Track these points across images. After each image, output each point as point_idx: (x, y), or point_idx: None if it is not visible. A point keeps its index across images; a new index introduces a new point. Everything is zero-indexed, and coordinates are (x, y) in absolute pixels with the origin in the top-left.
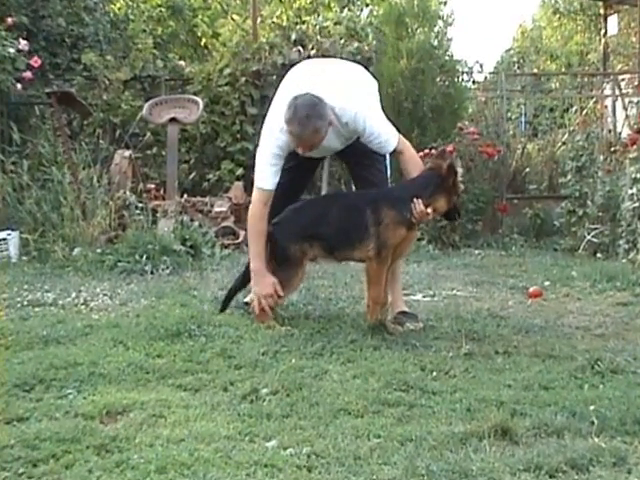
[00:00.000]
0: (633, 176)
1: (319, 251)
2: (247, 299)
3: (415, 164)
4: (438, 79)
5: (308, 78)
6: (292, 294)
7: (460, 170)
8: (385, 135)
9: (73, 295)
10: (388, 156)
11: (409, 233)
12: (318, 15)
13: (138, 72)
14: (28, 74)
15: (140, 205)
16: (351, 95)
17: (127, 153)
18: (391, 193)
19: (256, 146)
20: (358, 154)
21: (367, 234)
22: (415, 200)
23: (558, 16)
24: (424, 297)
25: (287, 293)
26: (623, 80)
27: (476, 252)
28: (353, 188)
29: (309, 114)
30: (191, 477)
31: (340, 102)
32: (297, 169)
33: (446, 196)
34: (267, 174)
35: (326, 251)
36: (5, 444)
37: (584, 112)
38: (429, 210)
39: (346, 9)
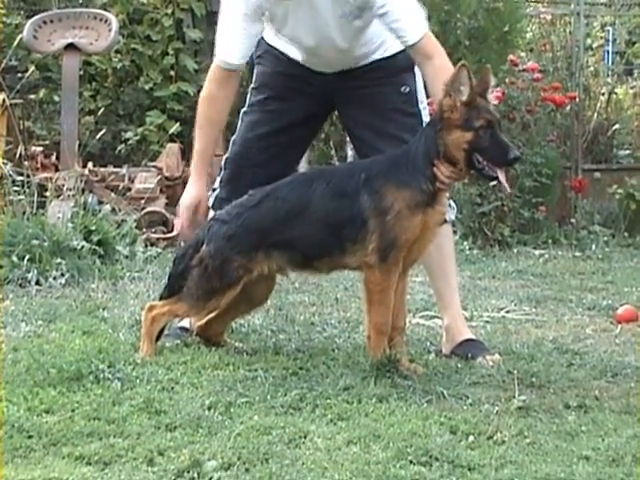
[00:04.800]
0: None
1: (286, 263)
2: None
3: None
4: None
5: None
6: (200, 316)
7: (460, 91)
8: (407, 15)
9: None
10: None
11: (429, 217)
12: None
13: None
14: None
15: (20, 179)
16: None
17: None
18: (399, 160)
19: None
20: (373, 112)
21: (364, 230)
22: (437, 162)
23: None
24: None
25: (191, 313)
26: None
27: (536, 253)
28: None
29: None
30: None
31: None
32: (283, 117)
33: (451, 143)
34: (231, 39)
35: (298, 262)
36: None
37: None
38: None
39: None
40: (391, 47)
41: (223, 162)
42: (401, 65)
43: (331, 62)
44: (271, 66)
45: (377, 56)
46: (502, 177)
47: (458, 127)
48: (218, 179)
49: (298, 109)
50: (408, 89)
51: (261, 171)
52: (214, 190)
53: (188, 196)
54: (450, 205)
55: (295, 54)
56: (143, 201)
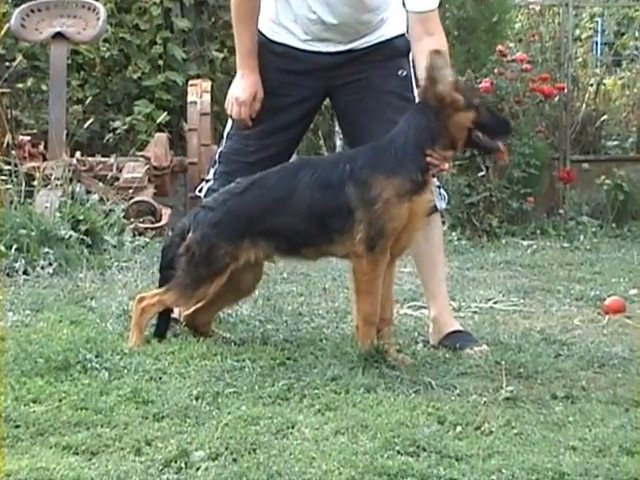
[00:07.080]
0: None
1: (273, 251)
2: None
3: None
4: None
5: None
6: (189, 305)
7: (447, 75)
8: None
9: None
10: None
11: (417, 205)
12: None
13: None
14: None
15: (7, 168)
16: None
17: None
18: (386, 150)
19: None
20: (370, 95)
21: (351, 220)
22: (430, 151)
23: None
24: None
25: (180, 303)
26: None
27: (524, 243)
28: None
29: None
30: None
31: None
32: (281, 115)
33: (456, 126)
34: None
35: (285, 250)
36: None
37: None
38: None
39: None
40: (388, 32)
41: (217, 156)
42: (398, 49)
43: (338, 23)
44: (265, 61)
45: (374, 39)
46: (502, 147)
47: (460, 109)
48: (212, 171)
49: (295, 105)
50: (405, 73)
51: (255, 168)
52: (207, 181)
53: (243, 89)
54: (441, 194)
55: (296, 31)
56: (131, 191)
